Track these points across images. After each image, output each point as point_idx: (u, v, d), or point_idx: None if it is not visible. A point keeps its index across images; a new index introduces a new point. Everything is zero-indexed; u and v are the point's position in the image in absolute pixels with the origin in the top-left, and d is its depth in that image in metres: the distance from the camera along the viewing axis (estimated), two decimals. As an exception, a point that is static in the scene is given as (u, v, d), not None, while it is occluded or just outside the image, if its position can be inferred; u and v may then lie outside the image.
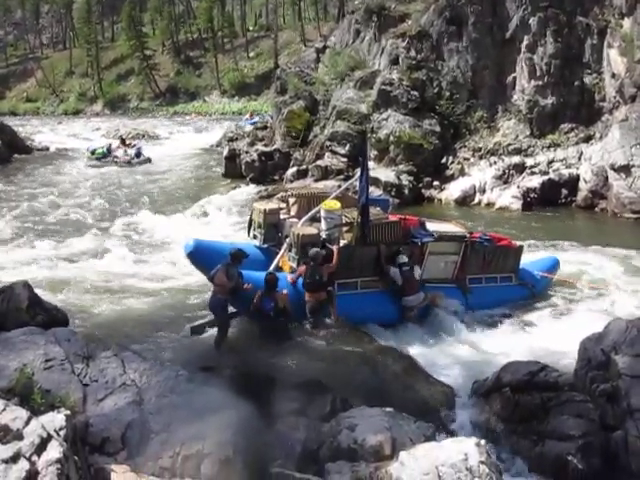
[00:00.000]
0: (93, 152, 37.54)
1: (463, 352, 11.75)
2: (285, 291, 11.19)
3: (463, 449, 6.17)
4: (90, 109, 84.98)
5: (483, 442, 6.46)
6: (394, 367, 10.23)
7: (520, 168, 24.89)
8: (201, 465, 6.38)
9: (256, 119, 43.86)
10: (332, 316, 11.70)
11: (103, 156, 36.84)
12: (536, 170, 24.65)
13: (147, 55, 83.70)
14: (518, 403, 8.58)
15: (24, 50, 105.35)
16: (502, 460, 7.71)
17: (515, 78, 26.52)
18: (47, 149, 44.88)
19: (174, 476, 6.21)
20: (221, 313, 11.10)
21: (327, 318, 11.70)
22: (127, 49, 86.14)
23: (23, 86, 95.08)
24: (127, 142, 41.28)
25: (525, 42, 26.14)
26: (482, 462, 6.04)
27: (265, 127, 33.73)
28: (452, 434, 8.09)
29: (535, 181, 24.25)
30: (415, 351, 11.40)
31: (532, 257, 15.76)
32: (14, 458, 5.31)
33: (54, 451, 5.39)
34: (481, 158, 25.99)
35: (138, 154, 37.00)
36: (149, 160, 36.90)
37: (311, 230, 12.29)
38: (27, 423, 5.55)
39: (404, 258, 12.47)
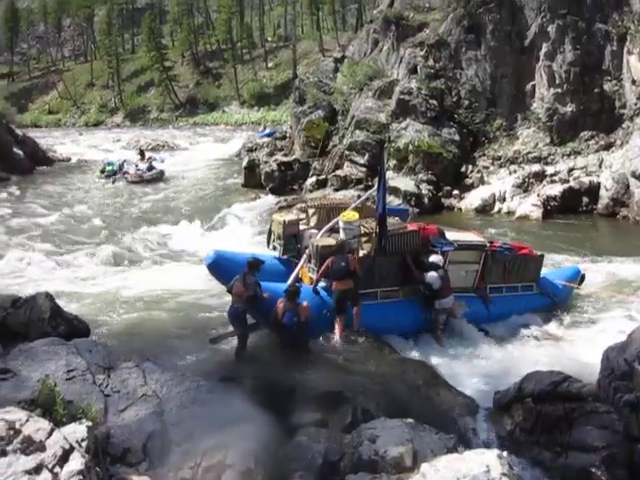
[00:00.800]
0: (103, 170, 36.24)
1: (484, 362, 11.69)
2: (306, 303, 11.08)
3: (485, 461, 6.11)
4: (111, 120, 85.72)
5: (505, 454, 6.40)
6: (415, 378, 10.18)
7: (540, 176, 24.77)
8: (222, 476, 6.37)
9: (268, 131, 44.21)
10: (354, 326, 11.69)
11: (113, 174, 35.49)
12: (556, 178, 24.51)
13: (167, 66, 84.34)
14: (540, 414, 8.50)
15: (46, 63, 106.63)
16: (524, 472, 7.63)
17: (534, 86, 26.45)
18: (68, 160, 45.24)
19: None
20: (240, 323, 11.08)
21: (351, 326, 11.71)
22: (147, 61, 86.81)
23: (45, 98, 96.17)
24: (146, 155, 40.72)
25: (544, 50, 26.08)
26: (504, 474, 5.97)
27: (284, 137, 33.84)
28: (474, 445, 8.02)
29: (555, 189, 24.09)
30: (436, 361, 11.35)
31: (553, 266, 15.66)
32: (37, 469, 5.35)
33: (76, 462, 5.41)
34: (501, 166, 25.92)
35: (150, 167, 35.76)
36: (162, 173, 35.82)
37: (330, 241, 12.27)
38: (50, 434, 5.58)
39: (438, 258, 12.44)
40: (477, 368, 11.40)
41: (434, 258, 12.47)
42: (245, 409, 7.61)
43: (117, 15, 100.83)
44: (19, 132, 44.09)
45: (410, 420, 7.67)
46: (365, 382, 9.76)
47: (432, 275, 12.30)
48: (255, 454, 6.60)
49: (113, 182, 34.32)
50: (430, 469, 6.20)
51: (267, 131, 44.02)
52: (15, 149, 39.89)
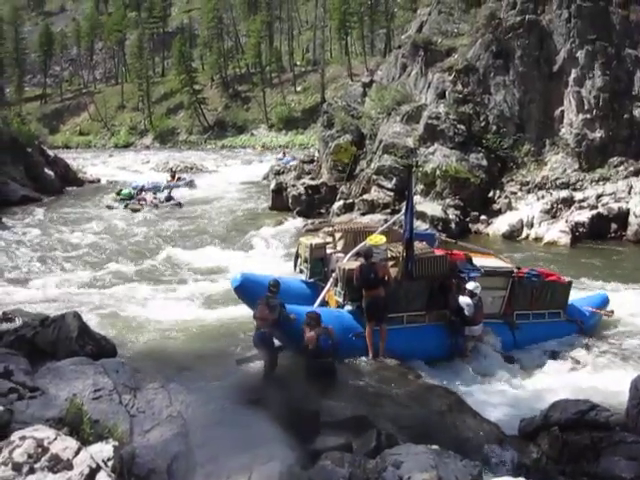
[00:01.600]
0: (119, 192, 35.44)
1: (510, 389, 11.60)
2: (331, 327, 11.01)
3: (510, 489, 6.06)
4: (140, 142, 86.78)
5: (531, 482, 6.33)
6: (440, 404, 10.11)
7: (568, 202, 24.62)
8: (246, 499, 6.37)
9: (288, 158, 44.86)
10: (380, 351, 11.66)
11: (129, 198, 34.36)
12: (585, 204, 24.35)
13: (196, 89, 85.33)
14: (567, 443, 8.41)
15: (78, 85, 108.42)
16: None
17: (563, 112, 26.38)
18: (98, 181, 45.83)
19: (219, 509, 6.22)
20: (267, 348, 11.06)
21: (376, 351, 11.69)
22: (177, 84, 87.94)
23: (76, 120, 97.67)
24: (177, 176, 42.09)
25: (573, 75, 26.03)
26: (530, 503, 5.91)
27: (312, 161, 33.99)
28: (499, 473, 7.94)
29: (584, 215, 23.94)
30: (461, 387, 11.28)
31: (581, 293, 15.51)
32: (64, 488, 5.40)
33: (102, 482, 5.46)
34: (529, 192, 25.81)
35: (169, 198, 34.44)
36: (179, 205, 33.82)
37: (357, 265, 12.29)
38: (77, 453, 5.61)
39: (474, 285, 12.41)
40: (503, 395, 11.32)
41: (471, 285, 12.42)
42: (269, 432, 7.61)
43: (148, 39, 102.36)
44: (50, 153, 44.86)
45: (435, 446, 7.63)
46: (390, 407, 9.72)
47: (466, 301, 12.26)
48: (279, 477, 6.59)
49: (125, 207, 33.08)
50: (455, 496, 6.15)
51: (286, 158, 44.88)
52: (46, 170, 40.54)
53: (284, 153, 50.08)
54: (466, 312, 12.25)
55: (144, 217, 30.97)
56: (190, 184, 41.23)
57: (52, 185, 39.55)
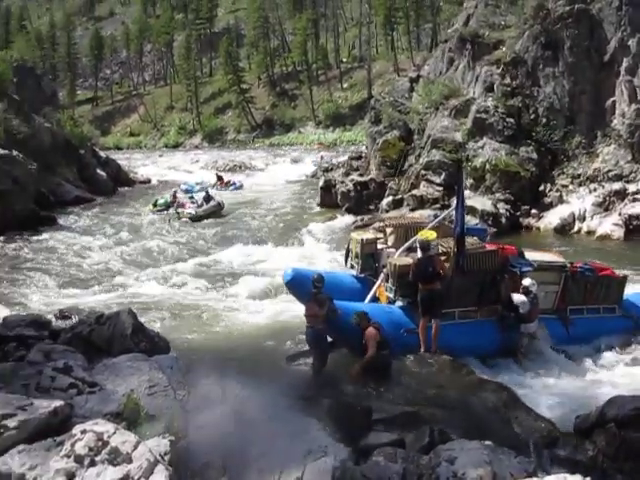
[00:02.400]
0: (155, 204, 33.06)
1: (564, 385, 11.43)
2: (377, 323, 10.98)
3: (567, 486, 5.98)
4: (189, 142, 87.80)
5: (588, 479, 6.23)
6: (493, 399, 10.02)
7: (621, 195, 24.14)
8: (300, 494, 6.41)
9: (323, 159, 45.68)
10: (432, 347, 11.62)
11: (166, 207, 32.32)
12: (638, 196, 23.83)
13: (244, 89, 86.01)
14: (624, 440, 8.25)
15: (128, 87, 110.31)
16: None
17: (614, 102, 25.83)
18: (149, 181, 46.55)
19: (273, 503, 6.27)
20: (319, 344, 11.06)
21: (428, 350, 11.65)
22: (224, 83, 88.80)
23: (127, 121, 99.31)
24: (224, 179, 41.69)
25: (624, 64, 25.48)
26: (587, 500, 5.83)
27: (360, 157, 33.98)
28: (554, 470, 7.84)
29: (638, 208, 23.46)
30: (514, 383, 11.14)
31: (637, 288, 15.19)
32: (124, 480, 5.54)
33: (160, 475, 5.56)
34: (580, 185, 25.38)
35: (208, 198, 32.11)
36: (220, 205, 31.94)
37: (408, 260, 12.25)
38: (135, 447, 5.74)
39: (530, 282, 12.27)
40: (557, 391, 11.16)
41: (527, 282, 12.27)
42: (322, 427, 7.63)
43: (195, 40, 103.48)
44: (102, 154, 45.75)
45: (489, 442, 7.56)
46: (442, 403, 9.67)
47: (521, 299, 12.12)
48: (332, 472, 6.61)
49: (169, 221, 30.00)
50: (510, 493, 6.10)
51: (323, 160, 45.84)
52: (99, 171, 41.39)
53: (322, 157, 49.91)
54: (521, 310, 12.10)
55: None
56: (240, 188, 40.82)
57: (104, 186, 40.33)
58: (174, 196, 33.32)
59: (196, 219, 29.92)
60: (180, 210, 31.10)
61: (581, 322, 13.14)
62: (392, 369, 10.77)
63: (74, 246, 24.71)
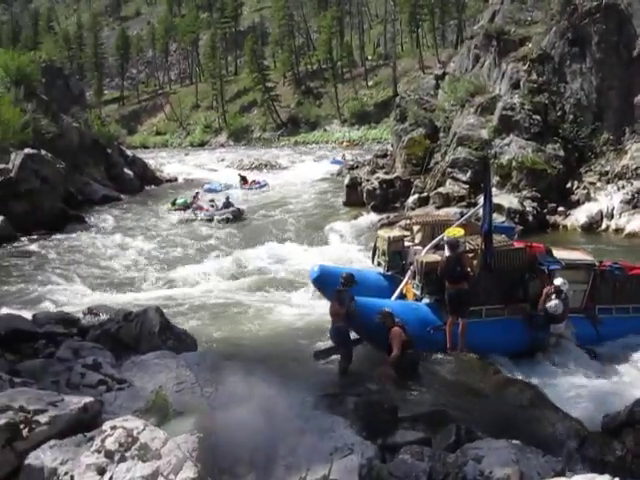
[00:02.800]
0: (174, 202, 32.66)
1: (592, 384, 11.33)
2: (401, 321, 10.86)
3: (595, 486, 5.93)
4: (215, 140, 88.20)
5: (617, 479, 6.17)
6: (520, 398, 9.97)
7: (650, 192, 23.85)
8: (327, 491, 6.42)
9: (338, 159, 46.42)
10: (459, 346, 11.58)
11: (185, 207, 31.63)
12: (668, 194, 23.55)
13: (269, 87, 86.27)
14: (654, 440, 8.18)
15: (154, 86, 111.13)
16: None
17: (643, 98, 25.52)
18: (175, 180, 46.81)
19: (300, 500, 6.29)
20: (343, 342, 11.07)
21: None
22: (250, 82, 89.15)
23: (153, 120, 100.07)
24: (248, 180, 40.73)
25: (654, 59, 25.16)
26: (616, 500, 5.77)
27: (385, 155, 33.93)
28: (582, 470, 7.78)
29: (667, 205, 23.17)
30: (542, 382, 11.07)
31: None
32: (153, 476, 5.59)
33: (190, 471, 5.61)
34: (608, 182, 25.10)
35: (227, 204, 30.74)
36: (239, 212, 30.31)
37: (435, 258, 12.23)
38: (164, 443, 5.80)
39: (561, 281, 12.16)
40: (585, 390, 11.07)
41: (558, 281, 12.15)
42: (349, 425, 7.64)
43: (220, 39, 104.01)
44: (129, 153, 46.16)
45: (516, 441, 7.53)
46: (469, 401, 9.66)
47: (556, 303, 11.98)
48: (359, 470, 6.62)
49: (186, 222, 29.61)
50: (538, 492, 6.07)
51: (337, 159, 46.86)
52: (126, 170, 41.75)
53: (343, 156, 49.86)
54: (555, 313, 11.99)
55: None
56: (264, 187, 40.00)
57: (131, 184, 40.67)
58: (195, 197, 32.62)
59: (212, 220, 29.22)
60: (197, 212, 30.41)
61: (610, 321, 13.01)
62: (420, 367, 10.76)
63: (102, 245, 24.96)
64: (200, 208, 30.89)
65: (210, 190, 37.87)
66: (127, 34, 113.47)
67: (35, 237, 25.54)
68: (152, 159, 54.06)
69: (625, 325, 13.07)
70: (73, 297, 17.24)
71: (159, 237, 26.27)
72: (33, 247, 24.18)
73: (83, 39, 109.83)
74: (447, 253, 11.84)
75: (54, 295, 17.53)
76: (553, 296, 12.08)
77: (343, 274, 11.34)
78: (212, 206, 30.98)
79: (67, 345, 8.99)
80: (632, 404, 8.79)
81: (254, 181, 40.92)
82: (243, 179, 40.64)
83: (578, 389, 11.08)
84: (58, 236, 26.11)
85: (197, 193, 33.81)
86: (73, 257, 22.82)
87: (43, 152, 30.24)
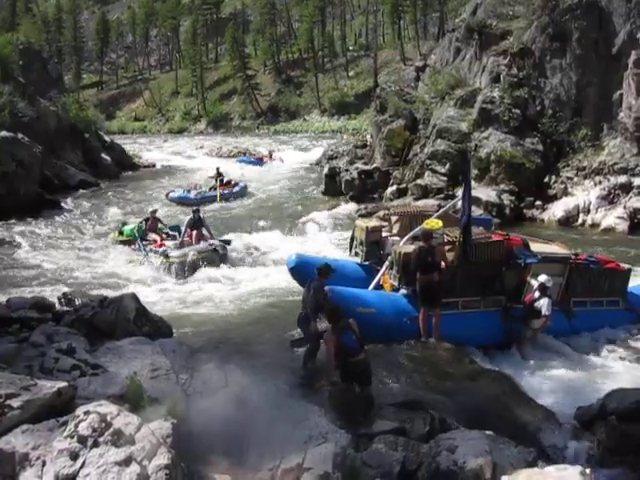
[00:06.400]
0: (121, 231, 21.16)
1: (566, 376, 11.45)
2: (352, 320, 9.14)
3: (567, 477, 5.98)
4: (194, 127, 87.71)
5: (588, 470, 6.22)
6: (494, 389, 10.05)
7: (627, 188, 24.02)
8: (300, 479, 6.43)
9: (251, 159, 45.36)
10: (433, 337, 11.64)
11: (134, 239, 20.04)
12: (644, 190, 23.76)
13: (249, 75, 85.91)
14: (625, 433, 8.27)
15: (133, 72, 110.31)
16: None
17: (622, 95, 25.62)
18: (153, 166, 46.48)
19: (273, 489, 6.31)
20: (306, 329, 10.79)
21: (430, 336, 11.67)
22: (230, 70, 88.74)
23: (132, 106, 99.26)
24: (226, 180, 32.05)
25: (633, 57, 25.21)
26: (587, 491, 5.84)
27: (365, 145, 33.92)
28: (554, 461, 7.86)
29: (643, 201, 23.38)
30: (516, 374, 11.18)
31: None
32: (126, 461, 5.58)
33: (163, 457, 5.60)
34: (585, 177, 25.28)
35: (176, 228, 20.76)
36: (217, 251, 18.74)
37: (413, 248, 12.25)
38: (138, 429, 5.78)
39: (546, 278, 12.22)
40: (558, 382, 11.19)
41: (543, 278, 12.23)
42: (323, 414, 7.66)
43: (201, 25, 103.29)
44: (107, 139, 45.72)
45: (489, 432, 7.59)
46: (443, 392, 9.70)
47: (544, 302, 12.06)
48: (333, 458, 6.65)
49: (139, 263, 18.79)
50: (510, 482, 6.12)
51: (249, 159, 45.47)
52: (103, 155, 41.35)
53: (343, 137, 49.83)
54: (543, 312, 12.07)
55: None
56: (244, 193, 32.16)
57: (109, 170, 40.28)
58: (150, 221, 20.76)
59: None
60: (152, 248, 19.33)
61: (584, 314, 13.13)
62: (393, 357, 10.75)
63: (78, 230, 24.76)
64: (155, 242, 19.80)
65: (178, 199, 30.00)
66: (107, 18, 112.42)
67: (10, 221, 25.22)
68: (130, 145, 53.64)
69: (599, 318, 13.21)
70: (48, 282, 17.06)
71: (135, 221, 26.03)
72: (8, 231, 23.88)
73: (62, 22, 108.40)
74: (420, 244, 11.88)
75: (28, 280, 17.34)
76: (537, 294, 12.17)
77: (319, 264, 11.26)
78: (171, 236, 20.38)
79: (41, 330, 8.90)
80: (604, 397, 8.90)
81: (231, 182, 32.27)
82: (219, 176, 31.87)
83: (552, 381, 11.19)
84: (34, 221, 25.81)
85: (154, 213, 21.47)
86: (49, 242, 22.58)
87: (20, 135, 29.85)
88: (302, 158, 46.70)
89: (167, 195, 31.17)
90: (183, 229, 19.72)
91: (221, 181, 31.48)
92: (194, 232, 19.46)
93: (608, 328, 13.22)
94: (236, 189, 31.70)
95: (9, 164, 27.55)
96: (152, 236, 20.08)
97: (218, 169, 32.82)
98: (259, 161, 44.94)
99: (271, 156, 45.78)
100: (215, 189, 30.92)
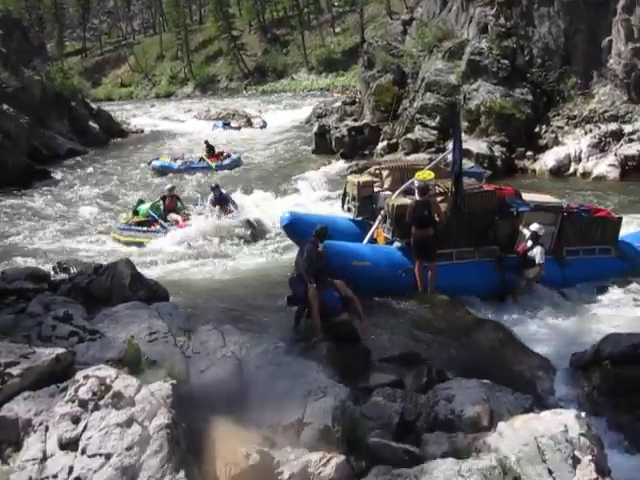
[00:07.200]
0: (136, 212, 18.88)
1: (561, 324, 11.58)
2: (339, 281, 9.42)
3: (563, 421, 6.06)
4: (181, 91, 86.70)
5: (583, 414, 6.32)
6: (491, 338, 10.16)
7: (617, 135, 23.99)
8: (301, 433, 6.51)
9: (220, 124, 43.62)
10: (429, 289, 11.71)
11: (153, 220, 18.38)
12: (635, 137, 23.69)
13: (234, 36, 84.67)
14: (619, 376, 8.39)
15: (117, 37, 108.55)
16: (604, 434, 7.51)
17: (611, 42, 25.39)
18: (142, 132, 46.08)
19: (274, 444, 6.37)
20: (298, 289, 10.46)
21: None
22: (215, 31, 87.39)
23: (117, 72, 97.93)
24: (219, 152, 30.31)
25: (621, 3, 24.94)
26: (582, 434, 5.90)
27: (354, 102, 33.71)
28: (550, 406, 7.96)
29: (634, 148, 23.33)
30: (511, 322, 11.30)
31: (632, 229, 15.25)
32: (128, 423, 5.64)
33: (164, 417, 5.65)
34: (576, 126, 25.20)
35: (220, 199, 19.14)
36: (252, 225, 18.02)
37: (405, 201, 12.26)
38: (138, 391, 5.83)
39: (538, 226, 12.27)
40: (553, 329, 11.31)
41: (535, 227, 12.29)
42: (322, 369, 7.73)
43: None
44: (94, 106, 45.31)
45: (486, 380, 7.69)
46: (440, 343, 9.81)
47: (538, 251, 12.13)
48: (332, 413, 6.72)
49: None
50: (507, 428, 6.21)
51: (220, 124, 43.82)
52: (91, 123, 41.01)
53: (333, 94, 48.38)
54: (536, 260, 12.14)
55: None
56: (239, 161, 30.68)
57: (97, 137, 40.00)
58: (168, 199, 19.04)
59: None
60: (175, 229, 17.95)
61: (577, 263, 13.22)
62: (390, 310, 10.79)
63: (69, 199, 24.65)
64: (177, 222, 18.34)
65: (161, 168, 28.91)
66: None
67: (1, 193, 25.07)
68: (118, 112, 53.14)
69: (592, 266, 13.30)
70: (42, 252, 17.03)
71: (126, 189, 25.97)
72: (-1, 203, 23.80)
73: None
74: (416, 197, 11.88)
75: (23, 251, 17.30)
76: (530, 242, 12.24)
77: (317, 227, 10.95)
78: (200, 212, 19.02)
79: (38, 300, 8.91)
80: (598, 343, 9.01)
81: (222, 154, 30.37)
82: (210, 150, 30.16)
83: (547, 329, 11.32)
84: (25, 192, 25.65)
85: (171, 189, 19.75)
86: (41, 212, 22.51)
87: (5, 106, 29.56)
88: (292, 117, 46.35)
89: (149, 163, 30.09)
90: (207, 206, 18.83)
91: (212, 153, 29.91)
92: (217, 207, 18.61)
93: (601, 276, 13.31)
94: (227, 161, 29.69)
95: (-5, 136, 27.33)
96: (172, 216, 18.50)
97: (207, 142, 31.13)
98: (235, 128, 42.55)
99: (249, 122, 42.85)
100: (203, 160, 29.51)
